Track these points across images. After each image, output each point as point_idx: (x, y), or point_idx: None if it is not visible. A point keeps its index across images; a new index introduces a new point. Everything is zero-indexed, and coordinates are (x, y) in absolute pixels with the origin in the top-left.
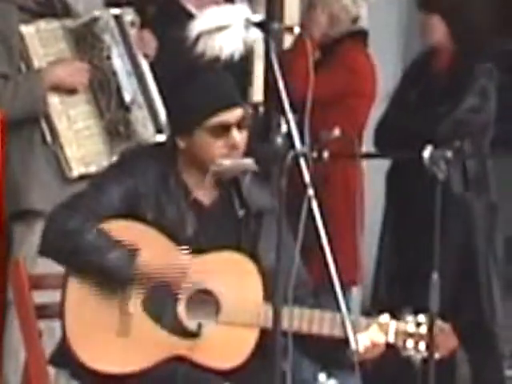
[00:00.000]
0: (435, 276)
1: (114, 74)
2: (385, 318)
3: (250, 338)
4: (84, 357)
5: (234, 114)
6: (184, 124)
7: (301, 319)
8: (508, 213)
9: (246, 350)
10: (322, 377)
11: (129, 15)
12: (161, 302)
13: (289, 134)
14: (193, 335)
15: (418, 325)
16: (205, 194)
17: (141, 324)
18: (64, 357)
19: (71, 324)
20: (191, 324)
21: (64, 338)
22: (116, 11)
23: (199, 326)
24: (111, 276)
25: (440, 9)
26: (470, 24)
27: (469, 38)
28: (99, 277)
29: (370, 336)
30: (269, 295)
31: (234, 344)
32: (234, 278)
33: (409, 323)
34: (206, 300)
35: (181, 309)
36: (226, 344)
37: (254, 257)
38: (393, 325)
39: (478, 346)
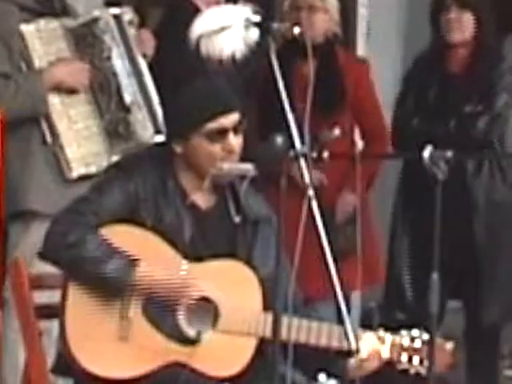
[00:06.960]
0: (435, 276)
1: (115, 74)
2: (381, 331)
3: (249, 347)
4: (84, 361)
5: (231, 119)
6: (180, 129)
7: (298, 330)
8: None
9: (244, 359)
10: (321, 377)
11: (127, 14)
12: (161, 307)
13: (289, 134)
14: (192, 342)
15: (413, 339)
16: (202, 198)
17: (140, 329)
18: (65, 365)
19: (71, 328)
20: (190, 331)
21: (64, 342)
22: (115, 11)
23: (198, 333)
24: (109, 286)
25: (472, 5)
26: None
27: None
28: (97, 286)
29: (369, 348)
30: (268, 304)
31: (233, 352)
32: (233, 286)
33: (404, 337)
34: (205, 308)
35: (180, 315)
36: (224, 352)
37: (248, 264)
38: (388, 338)
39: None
